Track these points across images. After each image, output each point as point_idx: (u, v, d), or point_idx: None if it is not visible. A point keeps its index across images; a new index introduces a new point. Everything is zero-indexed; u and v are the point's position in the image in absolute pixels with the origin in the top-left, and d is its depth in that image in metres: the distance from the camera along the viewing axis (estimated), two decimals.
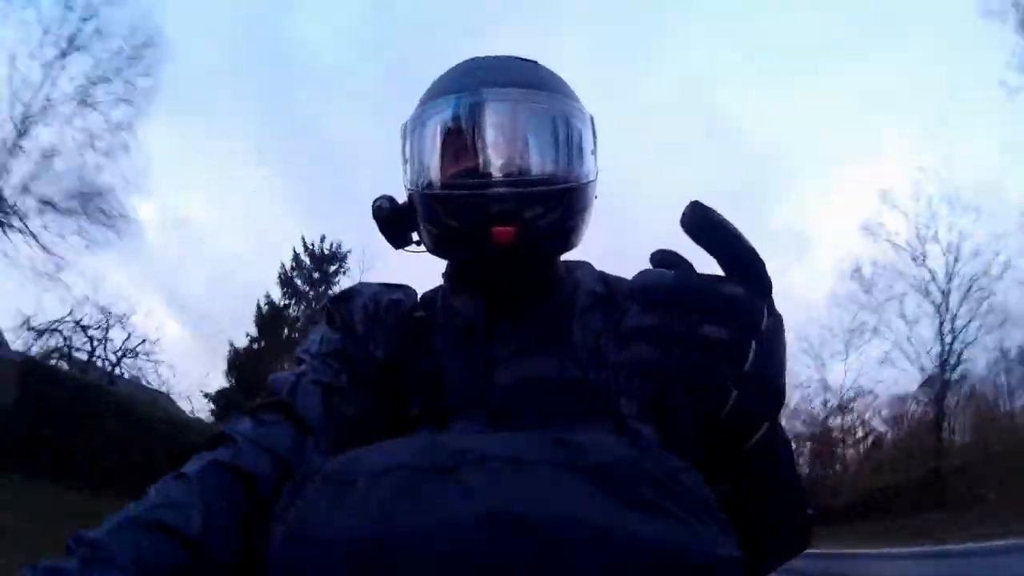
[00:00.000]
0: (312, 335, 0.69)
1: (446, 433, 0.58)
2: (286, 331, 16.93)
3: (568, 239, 0.68)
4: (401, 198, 0.71)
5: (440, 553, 0.37)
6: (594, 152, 0.69)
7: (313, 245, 18.16)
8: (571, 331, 0.66)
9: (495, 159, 0.63)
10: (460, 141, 0.64)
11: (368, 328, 0.69)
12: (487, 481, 0.39)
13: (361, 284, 0.74)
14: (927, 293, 16.89)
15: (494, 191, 0.62)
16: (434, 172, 0.65)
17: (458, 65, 0.71)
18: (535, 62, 0.71)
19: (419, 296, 0.75)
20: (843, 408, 20.53)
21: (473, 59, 0.71)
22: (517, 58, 0.71)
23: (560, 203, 0.64)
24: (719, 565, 0.39)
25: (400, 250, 0.74)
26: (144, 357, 15.62)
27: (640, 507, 0.39)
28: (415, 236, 0.72)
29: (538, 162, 0.64)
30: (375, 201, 0.71)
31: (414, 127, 0.68)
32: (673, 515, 0.39)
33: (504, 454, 0.41)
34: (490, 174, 0.62)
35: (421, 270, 0.78)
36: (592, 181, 0.68)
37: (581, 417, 0.59)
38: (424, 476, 0.40)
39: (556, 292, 0.70)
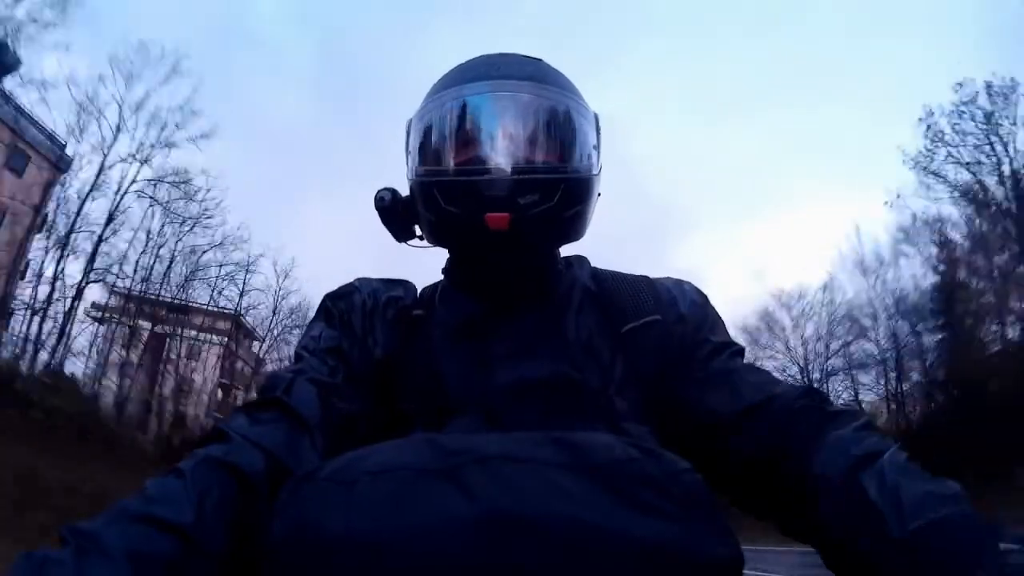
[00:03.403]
0: (311, 330, 0.69)
1: (445, 433, 0.58)
2: None
3: (565, 230, 0.68)
4: (404, 192, 0.71)
5: (440, 553, 0.37)
6: (597, 148, 0.70)
7: None
8: (567, 330, 0.66)
9: (493, 147, 0.64)
10: (460, 130, 0.65)
11: (366, 325, 0.69)
12: (487, 481, 0.39)
13: (360, 280, 0.74)
14: None
15: (488, 177, 0.62)
16: (433, 160, 0.66)
17: (464, 61, 0.72)
18: (539, 59, 0.72)
19: (419, 291, 0.75)
20: None
21: (479, 56, 0.72)
22: (521, 55, 0.72)
23: (556, 193, 0.64)
24: (719, 565, 0.39)
25: (403, 244, 0.74)
26: None
27: (640, 507, 0.39)
28: (418, 231, 0.72)
29: (535, 152, 0.64)
30: (377, 193, 0.71)
31: (418, 119, 0.69)
32: (673, 515, 0.39)
33: (504, 454, 0.41)
34: (487, 161, 0.63)
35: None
36: (593, 176, 0.68)
37: (577, 417, 0.59)
38: (424, 476, 0.40)
39: (554, 289, 0.70)
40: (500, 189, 0.62)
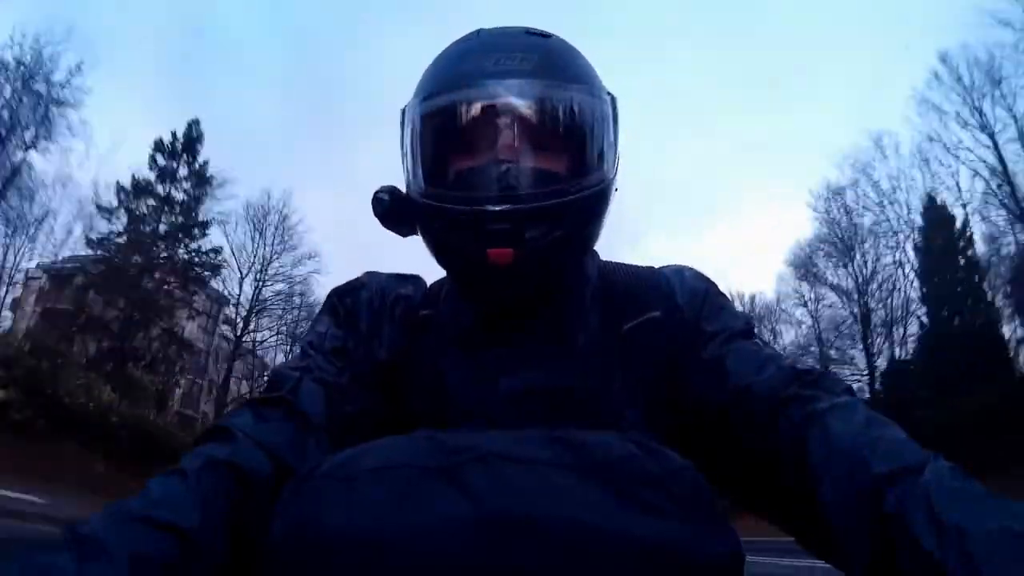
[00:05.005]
0: (317, 326, 0.67)
1: (447, 432, 0.58)
2: None
3: (576, 250, 0.63)
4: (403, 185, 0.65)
5: (440, 553, 0.36)
6: (614, 144, 0.63)
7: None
8: (574, 335, 0.63)
9: (495, 168, 0.56)
10: (457, 143, 0.59)
11: (372, 325, 0.66)
12: (487, 480, 0.39)
13: (368, 275, 0.71)
14: None
15: (491, 209, 0.55)
16: (427, 177, 0.60)
17: (461, 42, 0.63)
18: (548, 37, 0.63)
19: (429, 286, 0.71)
20: None
21: (478, 35, 0.63)
22: (527, 33, 0.62)
23: (568, 217, 0.58)
24: (720, 564, 0.38)
25: (409, 237, 0.67)
26: None
27: (640, 506, 0.38)
28: None
29: (545, 172, 0.57)
30: (375, 195, 0.64)
31: (411, 119, 0.62)
32: (673, 514, 0.38)
33: (505, 453, 0.40)
34: (489, 186, 0.56)
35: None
36: (610, 180, 0.62)
37: (582, 425, 0.57)
38: (425, 474, 0.40)
39: (564, 293, 0.65)
40: (503, 222, 0.55)
